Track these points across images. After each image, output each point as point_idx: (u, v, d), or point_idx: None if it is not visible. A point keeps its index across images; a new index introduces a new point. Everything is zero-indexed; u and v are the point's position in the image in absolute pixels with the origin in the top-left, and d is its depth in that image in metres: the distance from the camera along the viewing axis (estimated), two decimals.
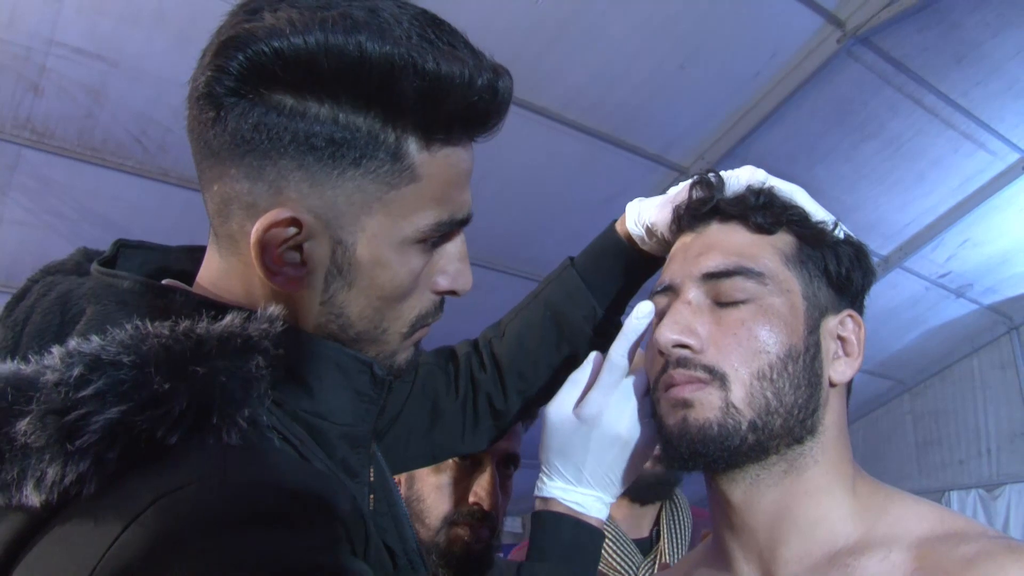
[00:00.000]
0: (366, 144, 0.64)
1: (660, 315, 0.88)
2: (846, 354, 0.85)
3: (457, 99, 0.65)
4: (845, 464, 0.83)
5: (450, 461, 1.26)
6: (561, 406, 0.91)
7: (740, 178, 0.92)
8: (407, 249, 0.69)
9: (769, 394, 0.79)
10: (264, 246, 0.64)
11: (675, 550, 1.69)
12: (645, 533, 1.75)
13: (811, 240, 0.86)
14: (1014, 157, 4.25)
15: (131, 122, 2.95)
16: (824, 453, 0.82)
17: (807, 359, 0.81)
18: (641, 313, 0.89)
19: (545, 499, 0.93)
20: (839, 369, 0.84)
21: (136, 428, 0.57)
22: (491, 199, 3.73)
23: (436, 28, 0.66)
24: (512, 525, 6.90)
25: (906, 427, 6.72)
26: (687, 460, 0.79)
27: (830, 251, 0.86)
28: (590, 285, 1.04)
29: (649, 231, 1.00)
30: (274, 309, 0.65)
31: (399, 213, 0.67)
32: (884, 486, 0.85)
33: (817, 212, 0.89)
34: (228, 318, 0.63)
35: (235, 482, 0.58)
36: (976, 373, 6.24)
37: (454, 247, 0.77)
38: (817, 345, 0.82)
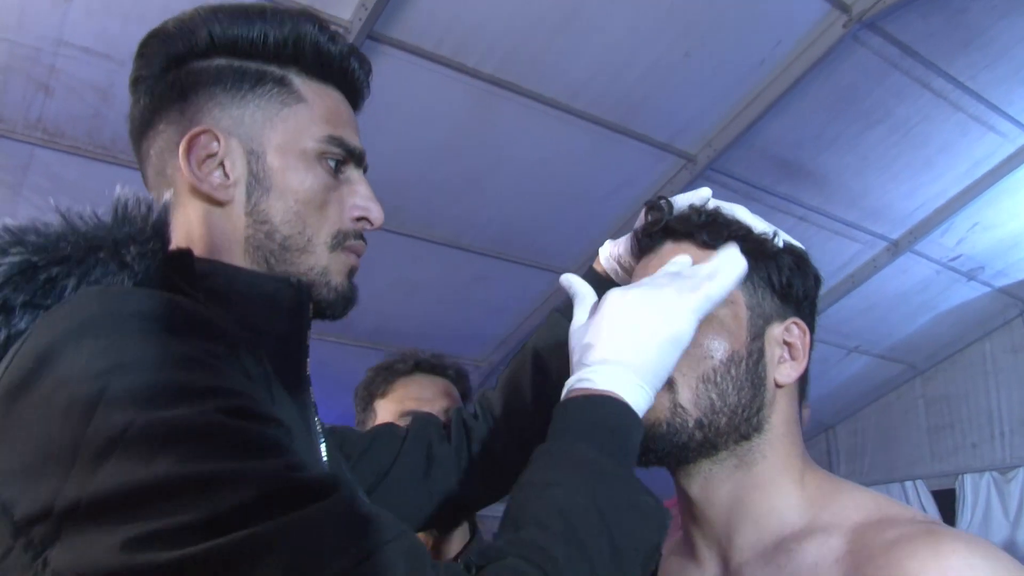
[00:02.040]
0: (257, 74, 0.83)
1: None
2: (792, 358, 0.92)
3: (308, 45, 0.85)
4: (794, 458, 0.90)
5: None
6: (581, 315, 0.89)
7: (688, 199, 1.00)
8: (311, 162, 0.84)
9: (713, 395, 0.86)
10: (189, 154, 0.81)
11: None
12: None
13: (754, 253, 0.92)
14: None
15: None
16: (772, 449, 0.89)
17: (750, 363, 0.89)
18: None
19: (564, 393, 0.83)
20: (784, 372, 0.92)
21: (38, 272, 0.67)
22: (500, 190, 3.75)
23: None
24: None
25: (918, 411, 6.71)
26: (641, 456, 0.83)
27: (772, 262, 0.94)
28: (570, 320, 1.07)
29: (620, 264, 1.10)
30: (165, 199, 0.78)
31: (295, 127, 0.84)
32: (833, 478, 0.92)
33: (758, 226, 0.96)
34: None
35: (111, 294, 0.67)
36: (988, 356, 6.23)
37: (360, 183, 0.90)
38: (760, 351, 0.90)
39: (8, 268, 0.67)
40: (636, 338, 0.77)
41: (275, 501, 0.55)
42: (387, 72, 3.05)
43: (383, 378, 1.78)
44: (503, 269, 4.28)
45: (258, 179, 0.82)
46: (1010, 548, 5.99)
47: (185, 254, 0.77)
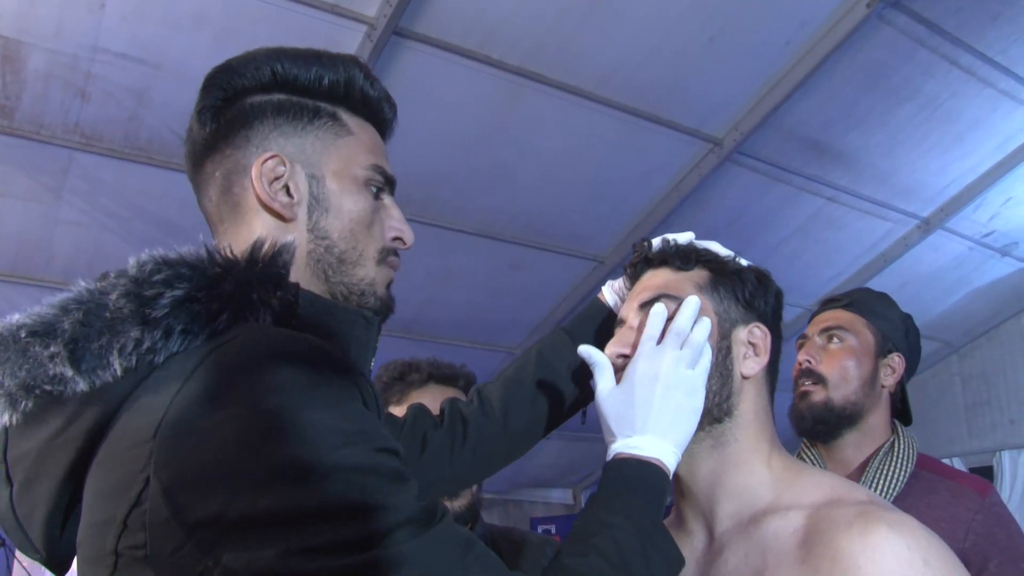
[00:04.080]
0: (313, 109, 0.95)
1: None
2: (755, 354, 1.10)
3: (356, 89, 0.98)
4: (762, 442, 1.07)
5: None
6: (606, 384, 1.05)
7: (670, 236, 1.21)
8: (361, 187, 0.96)
9: None
10: (261, 177, 0.90)
11: None
12: None
13: (720, 271, 1.13)
14: None
15: (175, 121, 3.03)
16: (742, 432, 1.06)
17: (718, 358, 1.06)
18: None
19: (609, 459, 1.00)
20: (749, 366, 1.09)
21: (197, 304, 0.77)
22: (531, 179, 3.79)
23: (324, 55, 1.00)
24: (563, 497, 6.99)
25: (955, 389, 6.66)
26: None
27: (736, 278, 1.13)
28: (576, 340, 1.26)
29: (620, 296, 1.31)
30: (288, 241, 0.88)
31: (348, 156, 0.96)
32: (796, 461, 1.09)
33: (723, 252, 1.17)
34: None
35: (273, 335, 0.77)
36: None
37: (394, 207, 1.01)
38: (728, 348, 1.08)
39: (172, 300, 0.77)
40: (675, 417, 0.97)
41: (405, 527, 0.69)
42: (414, 67, 3.10)
43: (398, 388, 1.86)
44: (536, 257, 4.32)
45: (318, 200, 0.93)
46: None
47: (296, 288, 0.87)
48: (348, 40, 2.92)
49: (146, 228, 3.38)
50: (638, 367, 1.01)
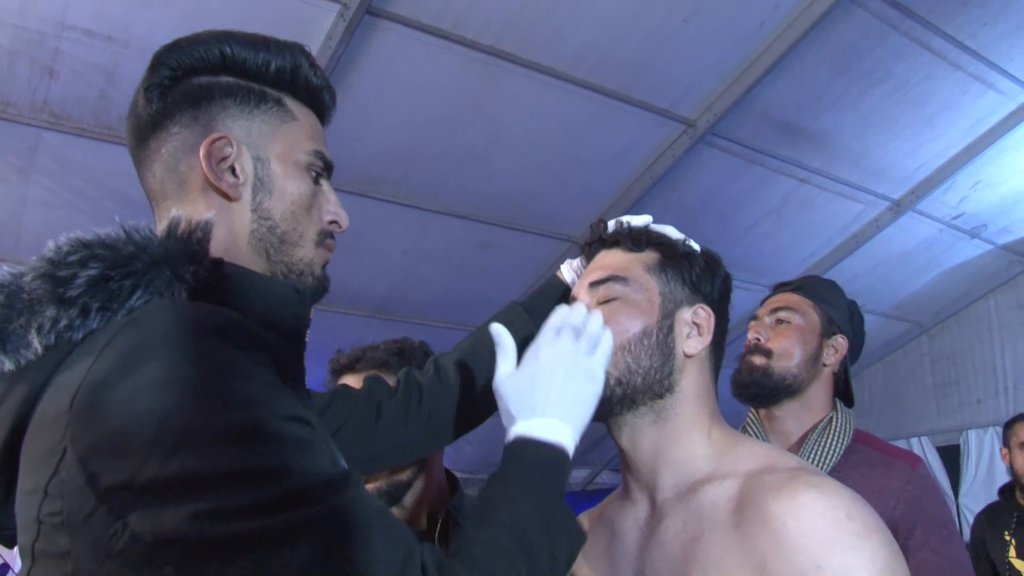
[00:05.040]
0: (260, 94, 0.98)
1: None
2: (698, 334, 1.14)
3: (301, 77, 1.01)
4: (703, 417, 1.12)
5: None
6: (507, 367, 1.09)
7: (627, 218, 1.25)
8: (302, 172, 0.99)
9: (629, 359, 1.09)
10: (209, 157, 0.93)
11: None
12: None
13: (669, 254, 1.18)
14: None
15: None
16: (683, 407, 1.11)
17: (660, 336, 1.11)
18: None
19: (510, 440, 1.01)
20: (691, 344, 1.13)
21: (113, 282, 0.80)
22: (503, 160, 3.78)
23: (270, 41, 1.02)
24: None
25: (924, 368, 6.76)
26: None
27: (684, 261, 1.17)
28: (532, 315, 1.33)
29: (577, 274, 1.35)
30: (207, 219, 0.91)
31: (291, 141, 0.99)
32: (735, 433, 1.14)
33: (675, 235, 1.21)
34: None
35: (185, 307, 0.80)
36: (993, 313, 6.26)
37: (331, 192, 1.05)
38: (670, 327, 1.12)
39: (88, 280, 0.81)
40: (575, 402, 1.00)
41: (309, 492, 0.71)
42: (387, 47, 3.08)
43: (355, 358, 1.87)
44: (508, 237, 4.33)
45: (263, 182, 0.97)
46: None
47: (218, 263, 0.90)
48: (321, 20, 2.90)
49: (116, 208, 3.34)
50: (540, 353, 1.04)
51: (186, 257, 0.85)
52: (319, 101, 1.06)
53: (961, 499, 6.46)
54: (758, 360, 1.93)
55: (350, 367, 1.86)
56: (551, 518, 0.90)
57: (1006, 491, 3.51)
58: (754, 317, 2.06)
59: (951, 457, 6.47)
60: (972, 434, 6.30)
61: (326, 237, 1.03)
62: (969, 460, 6.31)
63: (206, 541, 0.67)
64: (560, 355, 1.03)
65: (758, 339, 1.96)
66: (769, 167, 4.26)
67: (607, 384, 1.06)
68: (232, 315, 0.81)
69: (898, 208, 4.85)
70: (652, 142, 3.92)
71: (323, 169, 1.03)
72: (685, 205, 4.29)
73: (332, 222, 1.04)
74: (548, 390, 1.00)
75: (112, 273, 0.81)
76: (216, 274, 0.89)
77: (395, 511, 1.68)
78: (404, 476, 1.70)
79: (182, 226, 0.88)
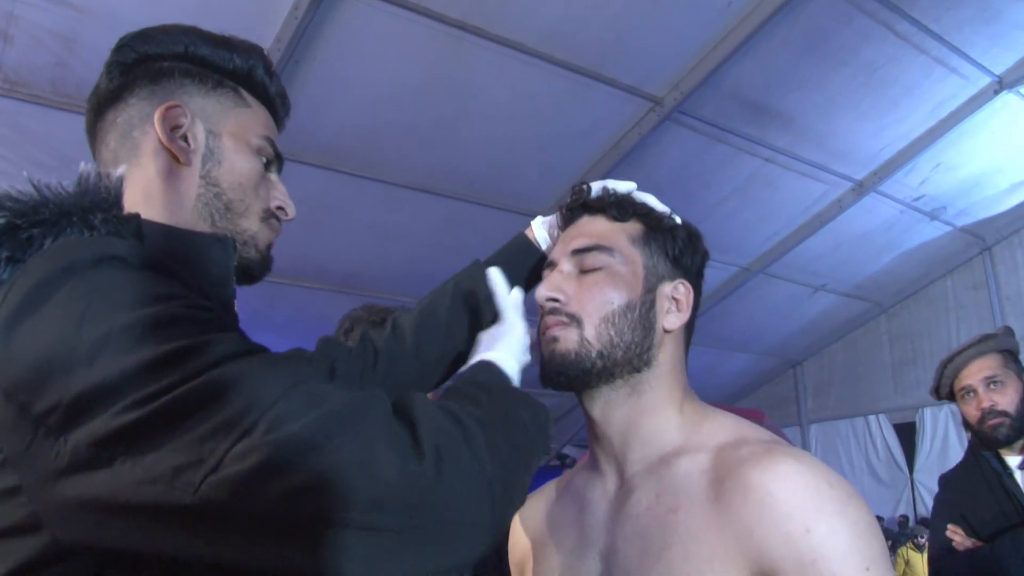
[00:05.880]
0: (217, 80, 1.02)
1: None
2: (677, 310, 1.14)
3: (257, 78, 1.06)
4: (676, 391, 1.12)
5: None
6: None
7: (610, 183, 1.23)
8: (252, 153, 1.02)
9: (612, 332, 1.08)
10: (164, 120, 0.96)
11: None
12: None
13: (654, 226, 1.16)
14: (985, 81, 4.29)
15: None
16: (659, 381, 1.11)
17: (643, 310, 1.11)
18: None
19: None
20: (671, 320, 1.13)
21: (20, 231, 0.81)
22: (471, 135, 3.77)
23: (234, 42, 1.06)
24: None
25: (883, 347, 6.88)
26: (555, 379, 1.09)
27: (668, 235, 1.16)
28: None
29: (550, 234, 1.33)
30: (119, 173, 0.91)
31: (244, 123, 1.02)
32: (706, 406, 1.15)
33: (659, 207, 1.20)
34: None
35: (81, 239, 0.81)
36: (950, 294, 6.38)
37: (280, 183, 1.07)
38: (652, 301, 1.12)
39: None
40: (506, 342, 1.10)
41: (229, 356, 0.73)
42: (355, 20, 3.04)
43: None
44: (475, 213, 4.32)
45: (213, 153, 1.00)
46: None
47: (134, 217, 0.91)
48: None
49: (75, 177, 3.27)
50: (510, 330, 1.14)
51: (95, 205, 0.86)
52: (273, 108, 1.10)
53: (916, 475, 6.61)
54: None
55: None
56: (518, 399, 0.94)
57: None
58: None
59: (907, 434, 6.61)
60: (928, 412, 6.43)
61: (271, 216, 1.05)
62: (924, 437, 6.45)
63: (142, 422, 0.68)
64: (511, 339, 1.12)
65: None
66: (735, 146, 4.28)
67: (588, 356, 1.08)
68: (130, 242, 0.83)
69: (861, 189, 4.91)
70: (619, 119, 3.93)
71: (274, 157, 1.06)
72: (651, 182, 4.27)
73: (279, 208, 1.06)
74: (507, 347, 1.09)
75: (19, 222, 0.82)
76: (133, 226, 0.89)
77: None
78: None
79: (91, 177, 0.88)
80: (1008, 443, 2.22)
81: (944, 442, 6.32)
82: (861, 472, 7.03)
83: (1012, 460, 2.23)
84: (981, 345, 2.35)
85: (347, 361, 1.26)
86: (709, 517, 0.97)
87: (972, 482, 2.29)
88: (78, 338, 0.71)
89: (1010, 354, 2.34)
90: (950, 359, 2.39)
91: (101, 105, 1.01)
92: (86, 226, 0.84)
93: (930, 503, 6.61)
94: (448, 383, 0.97)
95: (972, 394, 2.29)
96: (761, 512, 0.92)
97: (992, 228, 5.92)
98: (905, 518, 6.83)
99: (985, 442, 2.25)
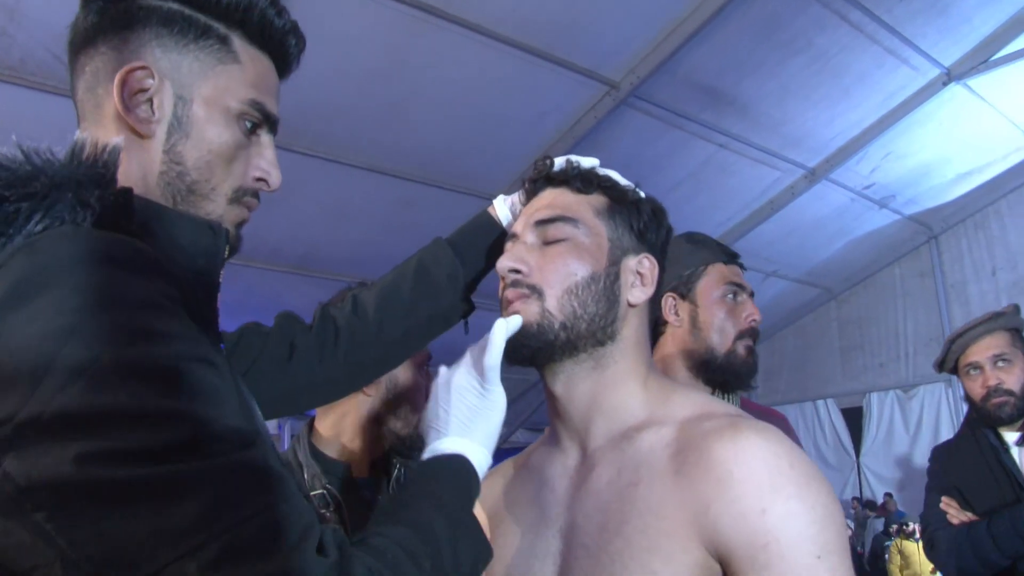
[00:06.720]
0: (203, 27, 0.90)
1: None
2: (642, 284, 1.12)
3: (258, 17, 0.94)
4: (640, 365, 1.11)
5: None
6: (470, 377, 1.07)
7: (573, 157, 1.20)
8: (230, 120, 0.91)
9: (575, 304, 1.06)
10: (124, 86, 0.86)
11: None
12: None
13: (618, 199, 1.15)
14: (935, 72, 4.37)
15: (51, 41, 2.86)
16: (623, 355, 1.09)
17: (607, 283, 1.09)
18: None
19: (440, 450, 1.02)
20: (635, 294, 1.11)
21: (8, 204, 0.74)
22: (426, 116, 3.74)
23: None
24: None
25: (832, 333, 7.00)
26: (518, 351, 1.06)
27: (633, 208, 1.15)
28: (458, 252, 1.27)
29: (512, 212, 1.29)
30: (115, 143, 0.82)
31: (225, 85, 0.91)
32: (670, 381, 1.15)
33: (623, 181, 1.18)
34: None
35: (87, 235, 0.74)
36: (898, 281, 6.51)
37: (268, 147, 0.97)
38: (617, 275, 1.10)
39: None
40: (485, 427, 1.03)
41: (209, 443, 0.66)
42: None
43: None
44: (429, 194, 4.29)
45: (180, 123, 0.89)
46: (908, 460, 6.37)
47: (127, 193, 0.82)
48: None
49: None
50: (455, 384, 1.07)
51: (91, 181, 0.78)
52: (279, 47, 0.99)
53: (862, 459, 6.75)
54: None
55: None
56: (458, 523, 0.89)
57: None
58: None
59: (854, 418, 6.74)
60: (874, 396, 6.56)
61: (245, 194, 0.95)
62: (871, 422, 6.58)
63: (88, 486, 0.61)
64: (468, 393, 1.05)
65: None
66: (689, 131, 4.31)
67: (551, 327, 1.05)
68: (138, 245, 0.76)
69: (813, 176, 4.97)
70: (575, 103, 3.93)
71: (262, 121, 0.95)
72: (605, 166, 4.30)
73: (259, 179, 0.96)
74: (447, 414, 1.04)
75: (8, 194, 0.75)
76: (124, 202, 0.81)
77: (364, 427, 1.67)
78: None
79: (88, 149, 0.80)
80: (1011, 422, 2.25)
81: (890, 427, 6.46)
82: (810, 455, 7.06)
83: (1010, 436, 2.27)
84: (990, 323, 2.36)
85: (306, 337, 1.21)
86: (669, 491, 0.96)
87: (969, 456, 2.32)
88: (54, 354, 0.64)
89: (1017, 333, 2.37)
90: (959, 334, 2.41)
91: (76, 43, 0.92)
92: (80, 203, 0.77)
93: (876, 487, 6.82)
94: (413, 463, 0.88)
95: (978, 371, 2.31)
96: (719, 488, 0.91)
97: (939, 217, 6.05)
98: (858, 500, 6.99)
99: (987, 419, 2.28)
